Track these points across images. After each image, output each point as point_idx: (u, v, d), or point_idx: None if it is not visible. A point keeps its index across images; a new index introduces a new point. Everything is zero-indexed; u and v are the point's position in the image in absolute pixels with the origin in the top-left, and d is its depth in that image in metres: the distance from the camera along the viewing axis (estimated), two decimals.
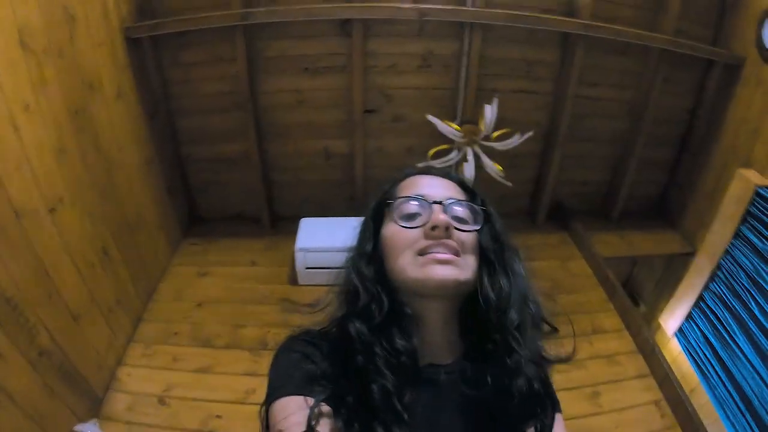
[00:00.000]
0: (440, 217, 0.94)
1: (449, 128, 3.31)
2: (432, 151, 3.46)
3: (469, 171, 3.39)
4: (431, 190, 1.01)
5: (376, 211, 1.06)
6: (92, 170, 2.65)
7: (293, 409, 0.84)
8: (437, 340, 0.99)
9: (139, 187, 3.19)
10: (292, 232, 3.52)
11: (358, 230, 1.09)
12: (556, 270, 3.92)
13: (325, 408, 0.84)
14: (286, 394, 0.87)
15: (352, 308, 0.96)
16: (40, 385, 2.15)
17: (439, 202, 0.97)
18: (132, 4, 3.10)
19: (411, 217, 0.97)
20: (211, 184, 3.97)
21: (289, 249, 3.52)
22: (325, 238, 3.32)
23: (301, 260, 3.38)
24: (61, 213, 2.34)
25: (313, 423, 0.81)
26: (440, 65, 3.59)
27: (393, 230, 0.98)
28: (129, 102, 3.10)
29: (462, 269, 0.93)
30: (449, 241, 0.93)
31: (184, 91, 3.51)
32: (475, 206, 1.02)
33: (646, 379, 3.12)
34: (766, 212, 3.22)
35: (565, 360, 1.01)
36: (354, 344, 0.90)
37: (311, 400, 0.84)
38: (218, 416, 2.65)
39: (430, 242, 0.93)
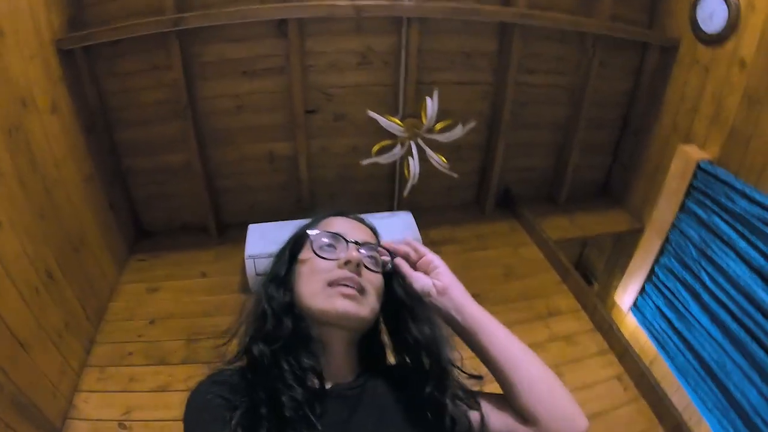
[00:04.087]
0: (354, 254, 1.05)
1: (392, 123, 3.31)
2: (376, 147, 3.45)
3: (413, 165, 3.39)
4: (349, 231, 1.13)
5: (295, 242, 1.17)
6: (30, 190, 2.54)
7: None
8: (339, 364, 1.08)
9: (80, 205, 3.08)
10: (241, 240, 3.46)
11: (274, 258, 1.20)
12: (508, 257, 3.96)
13: None
14: None
15: (258, 332, 1.04)
16: None
17: (355, 242, 1.09)
18: (63, 16, 2.98)
19: (328, 249, 1.09)
20: (154, 196, 3.87)
21: (238, 257, 3.46)
22: (275, 243, 3.25)
23: (251, 267, 3.31)
24: (0, 237, 2.25)
25: None
26: (379, 61, 3.58)
27: (309, 258, 1.09)
28: (65, 116, 2.98)
29: (363, 306, 1.04)
30: (358, 278, 1.04)
31: (121, 102, 3.41)
32: (386, 252, 1.16)
33: (606, 355, 3.19)
34: (708, 185, 3.32)
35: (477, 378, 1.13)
36: (261, 365, 0.98)
37: None
38: None
39: (341, 275, 1.03)
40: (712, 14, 3.35)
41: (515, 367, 1.03)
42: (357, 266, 1.04)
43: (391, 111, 3.62)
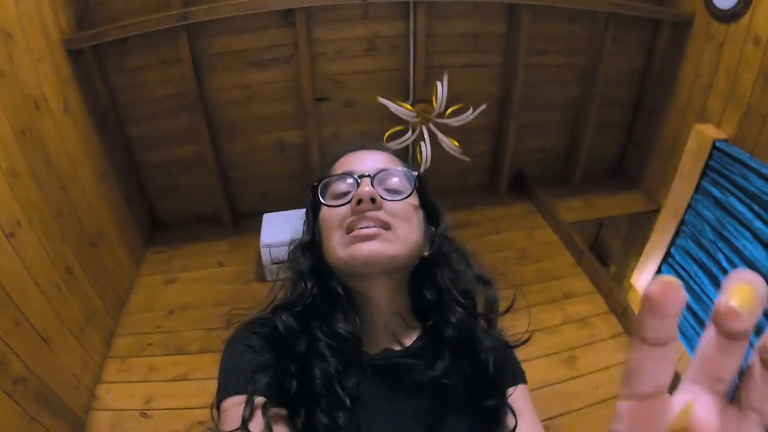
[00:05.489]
0: (364, 189, 0.91)
1: (402, 109, 3.30)
2: (387, 134, 3.44)
3: (425, 150, 3.38)
4: (360, 165, 0.99)
5: (312, 202, 1.02)
6: (46, 189, 2.57)
7: (234, 410, 0.82)
8: (389, 322, 0.97)
9: (96, 201, 3.11)
10: (256, 229, 3.49)
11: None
12: (522, 240, 3.95)
13: (261, 400, 0.82)
14: (230, 394, 0.86)
15: (285, 301, 0.95)
16: (18, 414, 2.09)
17: (367, 175, 0.94)
18: (71, 16, 3.00)
19: (339, 195, 0.95)
20: (169, 189, 3.91)
21: (253, 246, 3.50)
22: (289, 232, 3.24)
23: (266, 256, 3.34)
24: (20, 237, 2.27)
25: (248, 419, 0.79)
26: (388, 47, 3.56)
27: (324, 212, 0.96)
28: (77, 115, 3.00)
29: (391, 243, 0.89)
30: (376, 213, 0.90)
31: (131, 98, 3.43)
32: (408, 172, 0.99)
33: (621, 338, 3.17)
34: (724, 165, 3.28)
35: (522, 342, 1.01)
36: (288, 336, 0.89)
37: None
38: (201, 422, 2.60)
39: (356, 217, 0.90)
40: None
41: None
42: (372, 201, 0.90)
43: (401, 96, 3.62)
